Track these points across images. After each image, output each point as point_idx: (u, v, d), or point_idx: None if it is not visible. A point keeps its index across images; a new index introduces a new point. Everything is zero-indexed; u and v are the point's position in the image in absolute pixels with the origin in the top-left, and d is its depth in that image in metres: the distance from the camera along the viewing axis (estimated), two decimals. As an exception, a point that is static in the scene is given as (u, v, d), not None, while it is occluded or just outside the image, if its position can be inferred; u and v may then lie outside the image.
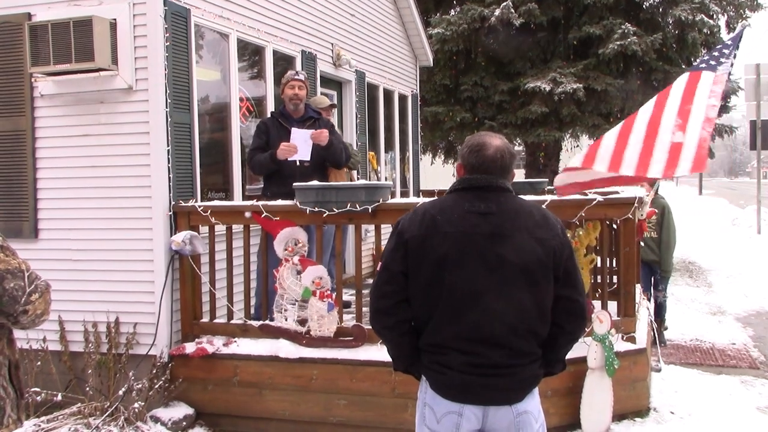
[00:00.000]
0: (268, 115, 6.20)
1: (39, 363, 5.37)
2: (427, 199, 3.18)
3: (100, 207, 5.50)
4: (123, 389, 5.07)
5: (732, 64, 4.73)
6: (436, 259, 2.62)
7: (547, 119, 13.01)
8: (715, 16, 13.74)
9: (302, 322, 5.25)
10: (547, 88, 12.39)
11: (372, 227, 6.84)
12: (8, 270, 2.50)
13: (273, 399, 5.19)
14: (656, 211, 7.23)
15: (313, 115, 6.07)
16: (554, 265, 2.64)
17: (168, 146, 5.34)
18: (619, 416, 5.10)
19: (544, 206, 4.42)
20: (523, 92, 12.99)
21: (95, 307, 5.44)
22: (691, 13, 12.73)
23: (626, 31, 12.32)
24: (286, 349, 5.20)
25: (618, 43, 12.27)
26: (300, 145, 5.72)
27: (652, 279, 7.64)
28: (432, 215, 2.68)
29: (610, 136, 4.68)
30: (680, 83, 4.76)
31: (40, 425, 4.90)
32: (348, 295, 6.37)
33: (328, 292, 5.20)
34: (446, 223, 2.64)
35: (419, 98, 11.60)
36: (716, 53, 4.76)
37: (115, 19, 5.28)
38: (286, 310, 5.28)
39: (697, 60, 4.62)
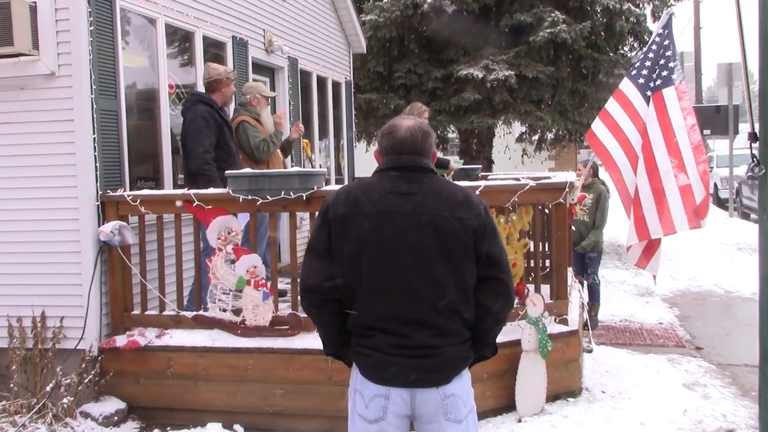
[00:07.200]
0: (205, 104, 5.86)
1: (-40, 361, 5.17)
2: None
3: (23, 198, 5.30)
4: (51, 385, 4.92)
5: (677, 61, 4.64)
6: (356, 238, 2.63)
7: (480, 106, 13.11)
8: (641, 5, 14.10)
9: (237, 311, 5.18)
10: (480, 75, 12.48)
11: (307, 215, 6.76)
12: None
13: (208, 390, 5.11)
14: (587, 195, 7.36)
15: None
16: (474, 244, 2.64)
17: (94, 134, 5.17)
18: (552, 396, 5.20)
19: (477, 192, 4.50)
20: (456, 79, 13.06)
21: (20, 301, 5.25)
22: (618, 2, 13.00)
23: (556, 19, 12.50)
24: (220, 339, 5.14)
25: (548, 30, 12.43)
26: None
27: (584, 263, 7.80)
28: (355, 195, 2.69)
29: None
30: (650, 113, 4.60)
31: (-38, 425, 4.72)
32: (283, 283, 6.30)
33: (263, 281, 5.14)
34: (368, 203, 2.65)
35: (353, 85, 11.55)
36: (662, 60, 4.56)
37: (35, 2, 5.07)
38: (220, 300, 5.20)
39: (642, 66, 4.44)
